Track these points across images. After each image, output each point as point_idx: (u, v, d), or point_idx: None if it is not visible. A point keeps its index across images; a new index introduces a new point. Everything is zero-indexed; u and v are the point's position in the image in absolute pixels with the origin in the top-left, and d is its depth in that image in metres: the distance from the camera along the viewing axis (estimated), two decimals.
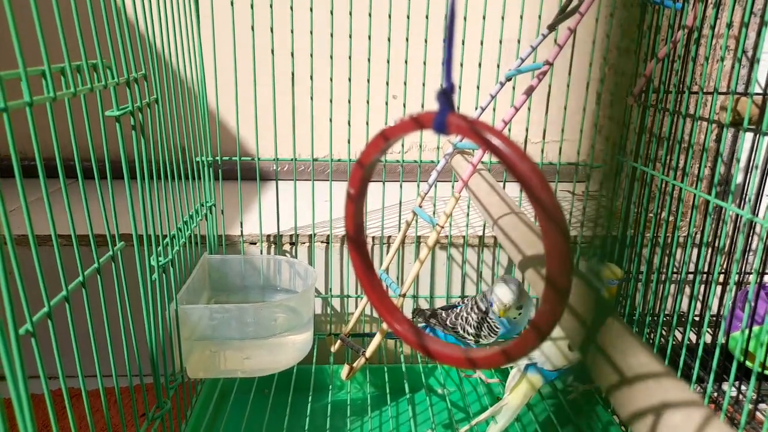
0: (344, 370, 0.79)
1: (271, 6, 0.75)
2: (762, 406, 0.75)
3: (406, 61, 0.79)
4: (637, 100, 0.74)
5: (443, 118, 0.24)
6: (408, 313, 0.92)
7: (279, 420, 0.74)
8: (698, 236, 0.88)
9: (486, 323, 0.71)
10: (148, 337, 0.58)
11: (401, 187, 0.85)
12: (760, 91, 0.83)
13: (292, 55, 0.77)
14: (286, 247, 0.88)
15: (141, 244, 0.56)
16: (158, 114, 0.60)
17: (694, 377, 0.63)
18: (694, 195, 0.62)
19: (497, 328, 0.70)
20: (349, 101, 0.81)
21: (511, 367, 0.71)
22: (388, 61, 0.79)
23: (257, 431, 0.73)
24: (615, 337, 0.27)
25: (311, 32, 0.77)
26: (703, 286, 0.87)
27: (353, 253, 0.31)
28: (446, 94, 0.24)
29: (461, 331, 0.73)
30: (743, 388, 0.76)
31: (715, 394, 0.74)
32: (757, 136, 0.51)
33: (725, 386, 0.77)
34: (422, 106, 0.84)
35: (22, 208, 0.35)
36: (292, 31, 0.76)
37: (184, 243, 0.70)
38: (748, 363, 0.77)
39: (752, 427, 0.70)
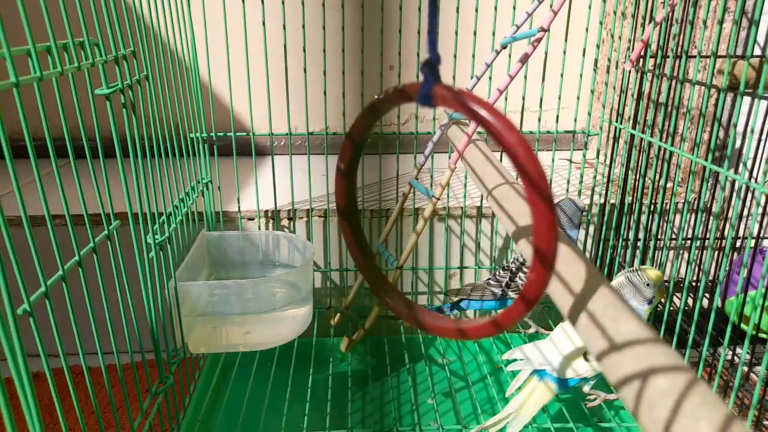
0: (343, 343, 0.80)
1: None
2: (756, 368, 0.76)
3: (399, 31, 0.78)
4: (635, 66, 0.73)
5: (428, 89, 0.24)
6: (410, 285, 0.93)
7: (281, 392, 0.75)
8: (696, 203, 0.88)
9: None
10: (148, 315, 0.58)
11: (398, 159, 0.84)
12: (759, 54, 0.82)
13: (284, 27, 0.76)
14: (284, 222, 0.88)
15: (137, 222, 0.56)
16: (149, 91, 0.59)
17: (690, 341, 0.64)
18: (692, 161, 0.62)
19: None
20: (343, 73, 0.80)
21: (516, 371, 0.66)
22: (382, 31, 0.78)
23: (260, 403, 0.74)
24: (607, 305, 0.28)
25: (303, 3, 0.75)
26: (699, 252, 0.87)
27: (345, 229, 0.31)
28: (431, 66, 0.24)
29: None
30: (738, 351, 0.77)
31: (711, 358, 0.75)
32: (754, 100, 0.51)
33: (721, 350, 0.78)
34: (417, 77, 0.83)
35: (13, 189, 0.35)
36: (283, 3, 0.75)
37: (181, 220, 0.70)
38: (743, 326, 0.78)
39: (746, 389, 0.71)
